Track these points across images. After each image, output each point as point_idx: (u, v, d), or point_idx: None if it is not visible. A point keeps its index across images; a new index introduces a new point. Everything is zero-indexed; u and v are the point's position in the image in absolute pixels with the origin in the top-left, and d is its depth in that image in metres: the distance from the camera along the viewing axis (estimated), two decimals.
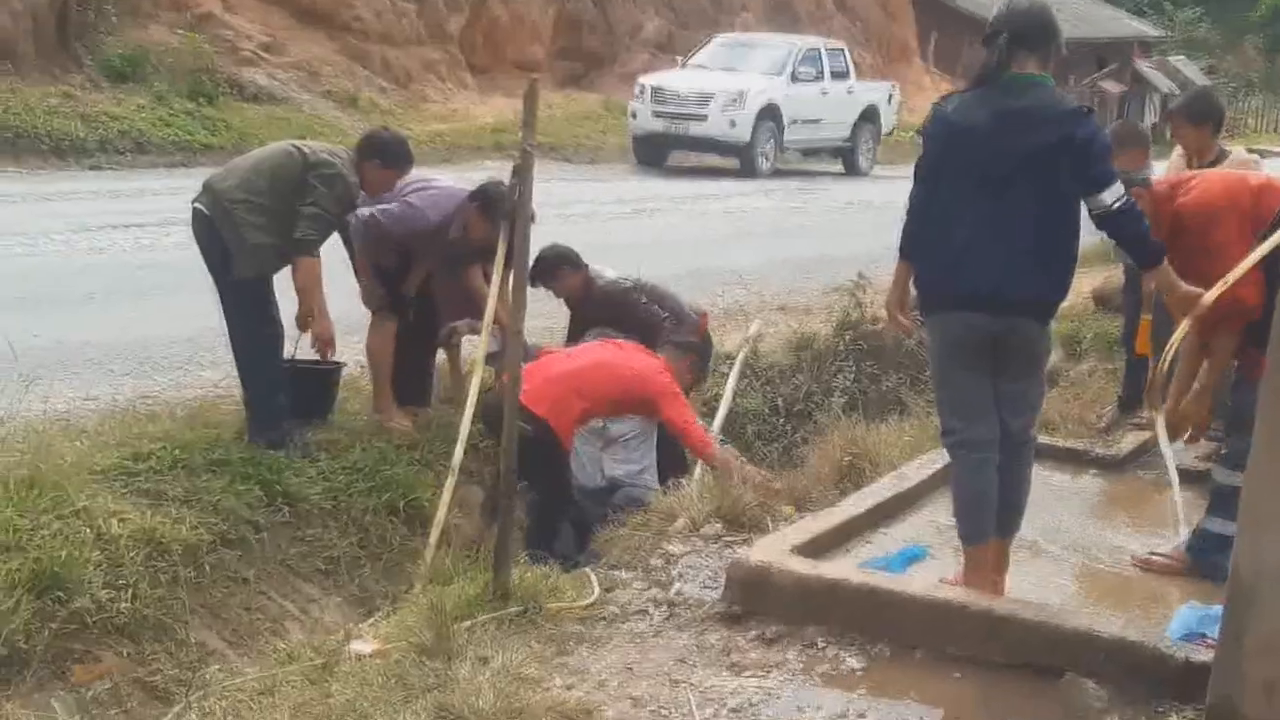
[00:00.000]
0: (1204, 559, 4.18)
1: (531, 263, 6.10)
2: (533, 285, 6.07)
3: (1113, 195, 3.55)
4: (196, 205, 5.10)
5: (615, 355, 5.51)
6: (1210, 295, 3.73)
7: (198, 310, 7.00)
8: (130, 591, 4.00)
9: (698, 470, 5.95)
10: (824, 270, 10.06)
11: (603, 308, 6.22)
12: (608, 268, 6.52)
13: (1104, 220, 3.61)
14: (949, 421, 3.80)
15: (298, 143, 5.30)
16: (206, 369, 6.17)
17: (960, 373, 3.73)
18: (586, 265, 6.34)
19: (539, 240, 5.89)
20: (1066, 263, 3.68)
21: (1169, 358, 3.84)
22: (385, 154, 5.24)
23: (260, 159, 5.20)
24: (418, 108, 17.60)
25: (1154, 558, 4.36)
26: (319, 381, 5.47)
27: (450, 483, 5.03)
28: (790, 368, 7.59)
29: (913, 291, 3.85)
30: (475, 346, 5.58)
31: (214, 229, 5.01)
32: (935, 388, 3.95)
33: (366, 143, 5.28)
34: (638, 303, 6.30)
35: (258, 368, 5.11)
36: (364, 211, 5.52)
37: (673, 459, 5.86)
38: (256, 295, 5.05)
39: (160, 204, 10.43)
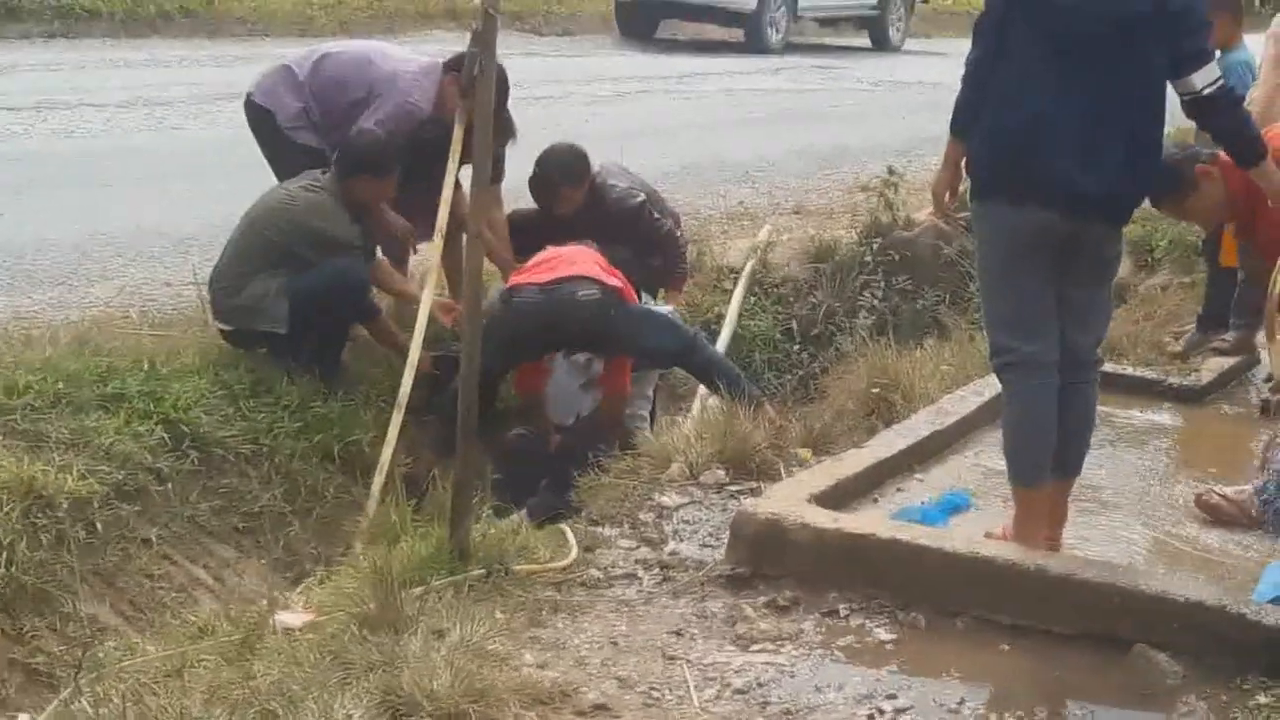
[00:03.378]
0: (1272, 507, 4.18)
1: (530, 176, 6.07)
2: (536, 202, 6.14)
3: (1204, 79, 3.55)
4: None
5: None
6: None
7: (84, 211, 6.92)
8: (4, 555, 3.97)
9: (695, 406, 5.95)
10: (847, 165, 10.02)
11: (607, 227, 6.07)
12: (616, 167, 6.45)
13: (1193, 107, 3.62)
14: (1002, 339, 3.77)
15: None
16: (96, 283, 6.13)
17: (1019, 279, 3.69)
18: (594, 172, 6.27)
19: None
20: (1154, 155, 3.69)
21: (1279, 280, 3.85)
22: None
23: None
24: None
25: (1218, 500, 4.33)
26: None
27: (395, 421, 5.02)
28: (807, 283, 7.58)
29: (965, 180, 3.82)
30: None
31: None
32: (985, 297, 3.90)
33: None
34: (651, 219, 6.34)
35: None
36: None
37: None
38: None
39: (36, 82, 10.31)
